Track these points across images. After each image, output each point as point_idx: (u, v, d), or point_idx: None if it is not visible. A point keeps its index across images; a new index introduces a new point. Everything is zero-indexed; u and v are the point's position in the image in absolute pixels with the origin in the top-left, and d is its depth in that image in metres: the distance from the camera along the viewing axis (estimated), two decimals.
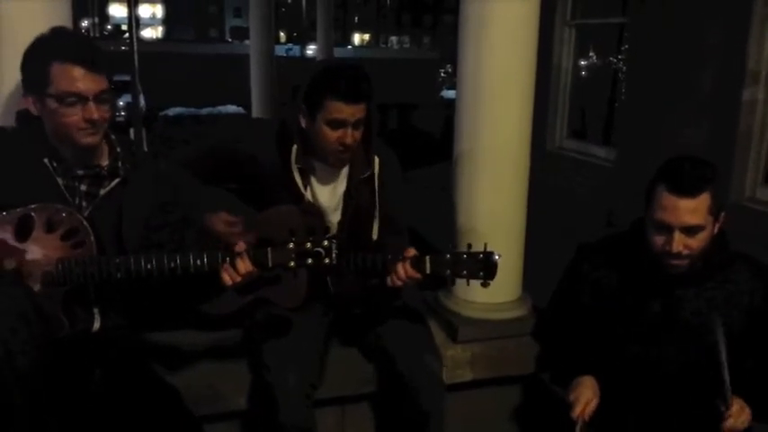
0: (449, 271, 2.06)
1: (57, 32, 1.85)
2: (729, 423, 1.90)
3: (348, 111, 2.16)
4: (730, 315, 2.03)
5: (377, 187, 2.34)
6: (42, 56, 1.80)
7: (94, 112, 1.81)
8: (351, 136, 2.18)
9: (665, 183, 1.91)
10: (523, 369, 2.61)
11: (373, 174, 2.34)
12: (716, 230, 1.97)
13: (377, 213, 2.34)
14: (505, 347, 2.67)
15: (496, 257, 2.02)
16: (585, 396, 2.06)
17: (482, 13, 2.52)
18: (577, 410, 2.04)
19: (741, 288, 2.05)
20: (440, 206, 2.89)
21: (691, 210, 1.89)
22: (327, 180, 2.34)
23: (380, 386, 2.41)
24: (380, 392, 2.42)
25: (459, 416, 2.46)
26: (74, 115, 1.80)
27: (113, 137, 1.98)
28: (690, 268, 1.99)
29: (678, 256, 1.94)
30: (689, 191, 1.88)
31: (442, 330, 2.72)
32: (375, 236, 2.35)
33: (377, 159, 2.35)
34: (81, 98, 1.79)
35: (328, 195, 2.34)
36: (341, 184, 2.35)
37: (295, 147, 2.28)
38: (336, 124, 2.18)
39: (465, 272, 2.05)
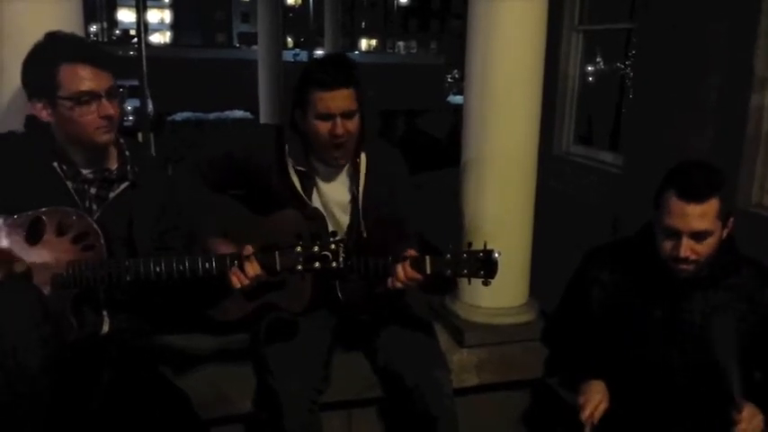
0: (449, 271, 2.06)
1: (55, 36, 1.85)
2: (741, 428, 1.90)
3: (332, 99, 2.15)
4: (737, 319, 2.04)
5: (361, 185, 2.31)
6: (48, 60, 1.81)
7: (109, 107, 1.84)
8: (341, 126, 2.16)
9: (674, 188, 1.91)
10: (530, 374, 2.61)
11: (358, 169, 2.31)
12: (724, 235, 1.97)
13: (360, 213, 2.31)
14: (512, 352, 2.68)
15: (496, 255, 2.02)
16: (595, 399, 2.06)
17: (490, 19, 2.53)
18: (587, 413, 2.04)
19: (749, 293, 2.05)
20: (446, 210, 2.89)
21: (699, 215, 1.89)
22: (332, 180, 2.33)
23: (387, 393, 2.41)
24: (387, 397, 2.43)
25: (465, 421, 2.46)
26: (90, 114, 1.82)
27: (122, 140, 2.00)
28: (697, 273, 1.99)
29: (686, 261, 1.94)
30: (697, 196, 1.88)
31: (448, 335, 2.72)
32: (363, 236, 2.32)
33: (363, 156, 2.31)
34: (94, 96, 1.82)
35: (337, 196, 2.34)
36: (349, 186, 2.34)
37: (287, 149, 2.27)
38: (324, 116, 2.17)
39: (465, 271, 2.04)
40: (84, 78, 1.81)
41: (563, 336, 2.35)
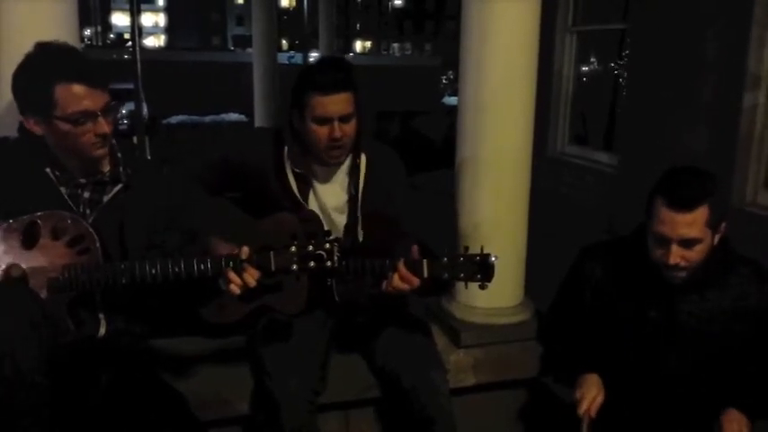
0: (446, 274, 2.06)
1: (47, 50, 1.83)
2: None
3: (330, 103, 2.16)
4: (732, 320, 2.04)
5: (360, 185, 2.32)
6: (42, 78, 1.78)
7: (105, 126, 1.83)
8: (339, 130, 2.18)
9: (663, 197, 1.92)
10: (526, 373, 2.62)
11: (358, 171, 2.32)
12: (715, 242, 1.98)
13: (359, 213, 2.32)
14: (508, 352, 2.68)
15: (493, 259, 2.02)
16: (591, 393, 2.07)
17: (483, 21, 2.54)
18: (584, 407, 2.05)
19: (744, 292, 2.06)
20: (440, 211, 2.90)
21: (687, 224, 1.90)
22: (330, 182, 2.34)
23: (384, 394, 2.41)
24: (384, 398, 2.43)
25: (462, 421, 2.47)
26: (87, 133, 1.82)
27: (114, 141, 1.99)
28: (690, 276, 2.00)
29: (676, 267, 1.95)
30: (686, 205, 1.89)
31: (444, 335, 2.73)
32: (360, 237, 2.33)
33: (363, 157, 2.32)
34: (91, 115, 1.81)
35: (333, 197, 2.35)
36: (346, 186, 2.35)
37: (286, 151, 2.28)
38: (322, 120, 2.18)
39: (462, 274, 2.05)
40: (81, 98, 1.79)
41: (559, 332, 2.36)
